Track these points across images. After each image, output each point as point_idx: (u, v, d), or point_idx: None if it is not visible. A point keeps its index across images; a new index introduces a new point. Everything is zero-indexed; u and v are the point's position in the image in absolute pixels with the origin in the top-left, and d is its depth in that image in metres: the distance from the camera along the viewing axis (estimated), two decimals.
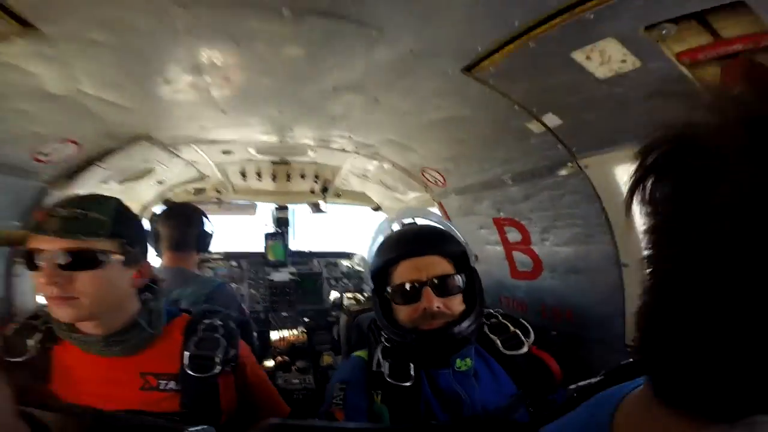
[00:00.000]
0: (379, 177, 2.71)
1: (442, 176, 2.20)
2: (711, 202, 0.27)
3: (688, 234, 0.29)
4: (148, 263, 1.11)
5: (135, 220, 1.12)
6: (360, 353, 1.27)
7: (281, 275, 3.43)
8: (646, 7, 0.87)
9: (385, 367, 1.10)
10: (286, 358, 2.82)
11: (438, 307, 1.13)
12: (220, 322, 1.13)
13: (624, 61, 1.02)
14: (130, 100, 1.47)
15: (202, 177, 3.00)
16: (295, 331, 3.15)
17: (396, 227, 1.32)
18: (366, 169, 2.68)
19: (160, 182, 2.79)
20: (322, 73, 1.34)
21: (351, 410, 1.06)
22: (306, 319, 3.29)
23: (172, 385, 1.03)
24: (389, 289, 1.20)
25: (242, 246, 3.74)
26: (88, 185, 2.01)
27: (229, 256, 3.54)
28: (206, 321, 1.13)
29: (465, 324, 1.11)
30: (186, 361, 1.04)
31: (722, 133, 0.27)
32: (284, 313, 3.38)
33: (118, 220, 0.98)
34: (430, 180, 2.32)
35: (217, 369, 1.05)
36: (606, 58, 1.04)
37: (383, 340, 1.20)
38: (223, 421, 1.07)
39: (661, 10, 0.87)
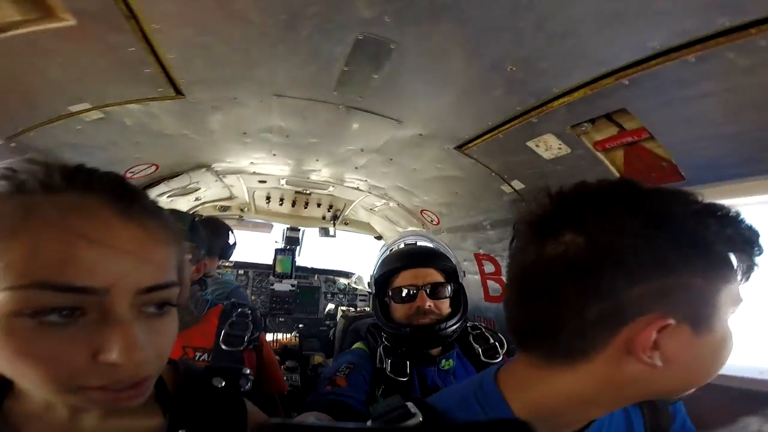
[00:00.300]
0: (385, 212, 3.20)
1: (437, 217, 2.68)
2: (518, 257, 0.59)
3: (511, 268, 0.61)
4: (205, 263, 1.40)
5: (200, 229, 1.40)
6: (360, 345, 1.46)
7: (283, 286, 3.73)
8: (568, 114, 1.29)
9: (387, 364, 1.26)
10: (277, 357, 3.03)
11: (429, 306, 1.32)
12: (249, 311, 1.40)
13: (560, 148, 1.46)
14: (210, 140, 1.98)
15: (231, 197, 3.48)
16: (288, 335, 3.37)
17: (401, 245, 1.60)
18: (374, 205, 3.17)
19: (197, 199, 3.26)
20: (356, 140, 1.88)
21: (353, 383, 1.20)
22: (300, 326, 3.56)
23: (205, 357, 1.25)
24: (390, 292, 1.41)
25: (251, 257, 4.12)
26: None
27: (237, 265, 3.92)
28: (239, 309, 1.39)
29: (450, 323, 1.31)
30: (221, 337, 1.28)
31: (525, 227, 0.58)
32: (281, 319, 3.66)
33: (192, 228, 1.31)
34: (427, 219, 2.80)
35: (244, 345, 1.30)
36: (548, 146, 1.48)
37: (384, 340, 1.38)
38: None
39: (578, 116, 1.29)
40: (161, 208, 0.57)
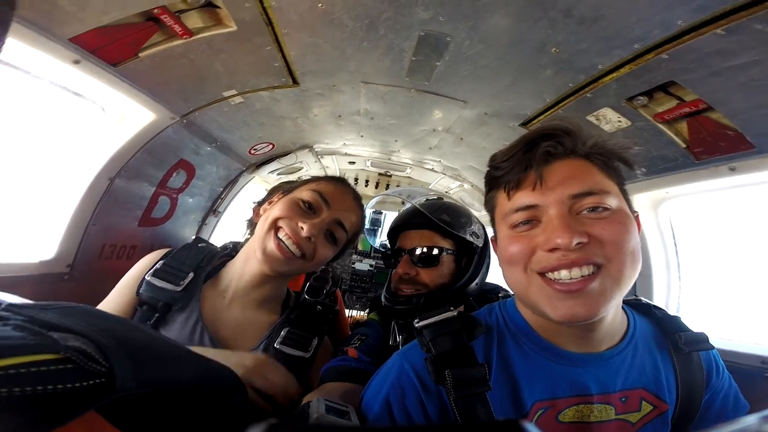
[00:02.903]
0: (460, 194, 3.41)
1: None
2: None
3: None
4: None
5: None
6: (373, 316, 1.41)
7: (363, 265, 4.15)
8: (619, 89, 1.39)
9: (400, 342, 1.20)
10: (349, 332, 3.25)
11: (407, 273, 1.23)
12: (329, 269, 1.59)
13: (619, 121, 1.56)
14: (313, 122, 2.45)
15: None
16: (362, 313, 3.70)
17: (423, 200, 1.49)
18: (449, 187, 3.41)
19: (299, 179, 3.87)
20: (428, 120, 2.16)
21: (362, 355, 1.12)
22: None
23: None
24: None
25: None
26: (263, 174, 3.10)
27: None
28: (322, 267, 1.72)
29: (432, 297, 1.18)
30: (306, 288, 1.49)
31: None
32: (356, 296, 4.04)
33: None
34: None
35: (321, 297, 1.49)
36: (608, 120, 1.57)
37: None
38: None
39: (630, 90, 1.37)
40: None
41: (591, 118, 1.64)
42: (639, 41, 1.13)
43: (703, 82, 1.23)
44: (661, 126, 1.50)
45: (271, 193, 1.98)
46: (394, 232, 1.40)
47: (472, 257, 1.30)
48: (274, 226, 1.07)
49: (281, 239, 1.06)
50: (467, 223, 1.29)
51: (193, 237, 1.24)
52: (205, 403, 0.64)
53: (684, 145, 1.52)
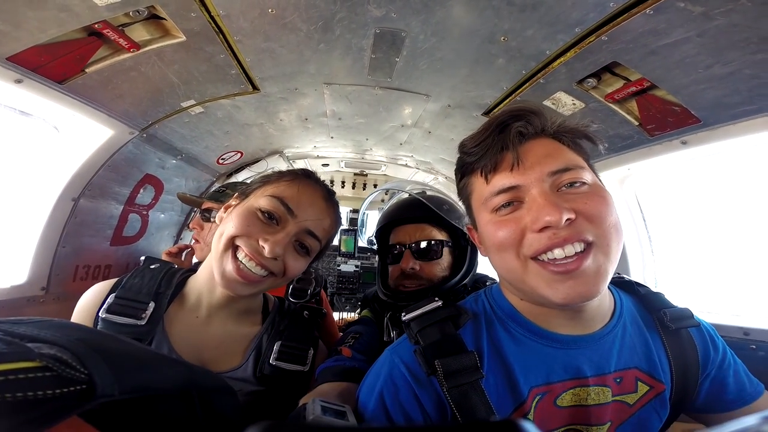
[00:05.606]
0: (436, 188, 3.45)
1: None
2: None
3: None
4: None
5: None
6: (366, 313, 1.39)
7: (348, 266, 4.04)
8: (568, 73, 1.43)
9: (394, 337, 1.18)
10: (340, 334, 3.18)
11: (413, 268, 1.21)
12: (312, 270, 1.56)
13: (574, 104, 1.61)
14: (280, 127, 2.43)
15: None
16: (353, 314, 3.68)
17: (404, 195, 1.51)
18: (425, 182, 3.44)
19: None
20: (395, 117, 2.18)
21: (356, 353, 1.10)
22: None
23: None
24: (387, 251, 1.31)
25: None
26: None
27: None
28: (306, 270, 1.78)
29: (441, 290, 1.17)
30: (289, 291, 1.49)
31: None
32: (345, 298, 3.91)
33: None
34: None
35: (306, 298, 1.47)
36: (563, 103, 1.62)
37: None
38: None
39: (578, 73, 1.42)
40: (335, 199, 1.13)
41: (548, 103, 1.68)
42: (578, 25, 1.17)
43: (644, 61, 1.28)
44: (613, 106, 1.56)
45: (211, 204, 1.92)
46: (386, 228, 1.36)
47: (466, 248, 1.29)
48: (232, 246, 0.94)
49: (241, 260, 0.92)
50: (462, 215, 1.29)
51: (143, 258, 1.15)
52: (195, 409, 0.63)
53: (637, 123, 1.58)
